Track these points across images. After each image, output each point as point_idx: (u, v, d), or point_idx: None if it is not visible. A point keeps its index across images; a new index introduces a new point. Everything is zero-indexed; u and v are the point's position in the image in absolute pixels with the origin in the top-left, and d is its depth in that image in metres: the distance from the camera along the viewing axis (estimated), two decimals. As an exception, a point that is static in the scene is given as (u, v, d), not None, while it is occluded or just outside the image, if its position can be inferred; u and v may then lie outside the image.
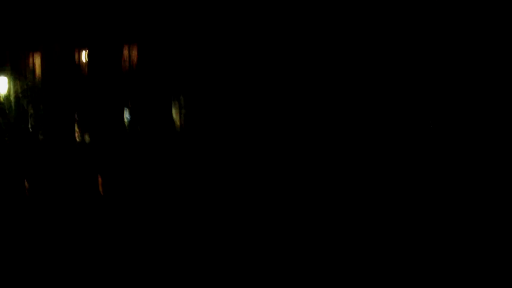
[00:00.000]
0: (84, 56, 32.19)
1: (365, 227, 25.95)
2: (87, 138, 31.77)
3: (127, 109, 31.24)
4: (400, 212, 25.83)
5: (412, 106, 26.77)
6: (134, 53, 31.31)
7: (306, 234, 26.13)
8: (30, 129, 32.03)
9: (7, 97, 31.14)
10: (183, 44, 30.91)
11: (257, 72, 29.08)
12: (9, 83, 30.96)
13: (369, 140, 27.34)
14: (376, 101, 27.34)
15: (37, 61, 33.01)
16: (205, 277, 24.50)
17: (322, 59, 28.19)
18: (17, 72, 32.16)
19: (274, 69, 28.85)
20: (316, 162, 27.79)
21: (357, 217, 26.40)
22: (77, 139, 31.95)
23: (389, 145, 26.92)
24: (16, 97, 31.03)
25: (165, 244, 26.29)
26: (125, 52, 31.40)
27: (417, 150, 26.51)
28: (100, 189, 31.31)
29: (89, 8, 31.65)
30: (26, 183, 32.45)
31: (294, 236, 26.25)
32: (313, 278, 20.41)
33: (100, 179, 31.67)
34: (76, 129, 32.13)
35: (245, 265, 24.78)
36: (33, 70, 33.14)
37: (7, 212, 31.49)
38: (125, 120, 31.30)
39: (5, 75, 30.93)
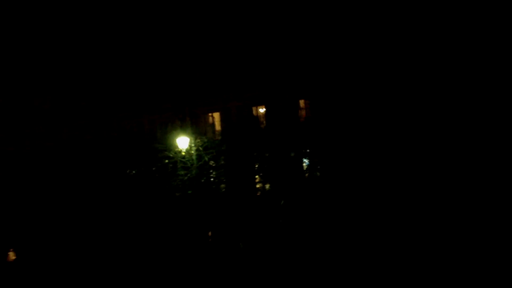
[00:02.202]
0: (259, 110, 34.52)
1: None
2: (267, 186, 33.60)
3: (306, 157, 33.16)
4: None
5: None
6: (307, 105, 33.61)
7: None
8: (211, 181, 33.97)
9: (188, 152, 33.27)
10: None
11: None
12: (190, 140, 33.16)
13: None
14: None
15: (216, 118, 35.39)
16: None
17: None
18: (197, 129, 34.45)
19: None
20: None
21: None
22: (258, 188, 33.79)
23: None
24: (197, 151, 33.13)
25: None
26: (301, 103, 33.72)
27: None
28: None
29: (264, 67, 34.23)
30: (209, 233, 34.14)
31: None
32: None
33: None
34: (257, 178, 34.02)
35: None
36: (213, 127, 35.48)
37: (190, 260, 32.71)
38: (304, 166, 33.17)
39: (186, 133, 33.21)
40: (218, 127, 36.34)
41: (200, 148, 34.40)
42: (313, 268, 28.20)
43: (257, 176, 35.40)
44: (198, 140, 34.31)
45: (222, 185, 35.33)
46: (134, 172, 35.91)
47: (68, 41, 35.99)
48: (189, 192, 34.70)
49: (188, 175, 34.55)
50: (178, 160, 34.39)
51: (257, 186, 35.47)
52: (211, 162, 35.13)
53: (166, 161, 35.10)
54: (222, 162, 35.03)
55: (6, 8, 36.23)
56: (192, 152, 34.00)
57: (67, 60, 36.49)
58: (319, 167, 33.93)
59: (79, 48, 35.86)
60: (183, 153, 34.21)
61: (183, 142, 34.30)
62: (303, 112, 34.41)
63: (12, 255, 34.96)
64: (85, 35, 35.61)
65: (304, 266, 29.01)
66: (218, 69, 35.58)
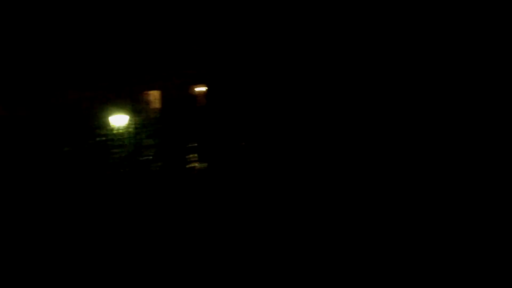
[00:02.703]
0: (200, 90, 34.34)
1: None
2: (203, 166, 33.42)
3: (244, 139, 33.11)
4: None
5: None
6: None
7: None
8: (147, 160, 33.64)
9: (125, 129, 32.89)
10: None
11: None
12: (126, 117, 32.83)
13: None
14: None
15: (155, 96, 35.06)
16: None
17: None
18: (135, 107, 34.10)
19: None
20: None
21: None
22: (194, 168, 33.57)
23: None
24: (134, 129, 32.82)
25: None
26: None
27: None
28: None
29: (208, 48, 34.01)
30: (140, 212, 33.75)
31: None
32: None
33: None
34: (193, 158, 33.81)
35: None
36: (150, 105, 35.15)
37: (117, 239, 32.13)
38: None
39: (123, 111, 32.83)
40: (156, 105, 36.04)
41: (137, 126, 34.08)
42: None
43: (191, 155, 35.19)
44: (135, 118, 33.99)
45: (158, 163, 34.98)
46: (67, 149, 35.27)
47: None
48: (122, 170, 34.30)
49: (124, 153, 34.16)
50: (114, 138, 34.00)
51: (194, 165, 35.24)
52: (147, 141, 34.81)
53: (103, 138, 34.61)
54: (158, 141, 34.74)
55: None
56: (130, 130, 33.62)
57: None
58: (254, 148, 33.94)
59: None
60: (120, 131, 33.80)
61: (119, 119, 33.84)
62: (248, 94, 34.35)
63: None
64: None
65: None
66: (158, 46, 35.27)
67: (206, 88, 35.05)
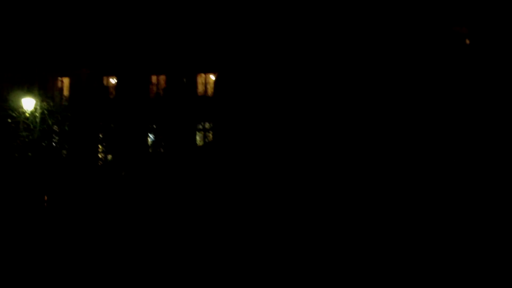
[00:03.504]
0: (112, 81, 34.81)
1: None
2: (110, 157, 34.06)
3: (152, 132, 33.94)
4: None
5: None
6: (162, 81, 34.30)
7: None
8: (53, 146, 33.93)
9: (33, 114, 32.96)
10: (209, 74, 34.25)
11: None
12: (36, 102, 32.83)
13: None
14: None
15: (65, 84, 35.25)
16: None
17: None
18: (45, 93, 34.21)
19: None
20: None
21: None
22: (100, 158, 34.14)
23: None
24: (42, 114, 32.95)
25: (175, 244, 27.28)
26: (153, 79, 34.37)
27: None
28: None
29: (120, 37, 34.52)
30: (45, 197, 34.12)
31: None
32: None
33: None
34: (100, 148, 34.35)
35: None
36: (61, 92, 35.30)
37: (23, 223, 32.36)
38: (149, 141, 33.95)
39: (33, 95, 32.84)
40: (66, 92, 36.17)
41: (45, 112, 34.07)
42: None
43: (100, 146, 35.69)
44: (44, 103, 33.95)
45: (64, 151, 35.28)
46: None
47: None
48: (29, 154, 34.35)
49: (30, 137, 34.16)
50: (21, 121, 33.89)
51: (100, 156, 35.78)
52: (55, 127, 34.94)
53: (9, 120, 34.43)
54: (66, 128, 34.93)
55: None
56: (37, 114, 33.55)
57: None
58: (163, 143, 34.84)
59: None
60: (27, 115, 33.67)
61: (28, 103, 33.71)
62: (154, 88, 35.11)
63: None
64: None
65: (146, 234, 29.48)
66: (71, 34, 35.37)
67: (116, 80, 35.56)
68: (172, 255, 23.23)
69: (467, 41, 32.76)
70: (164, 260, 22.48)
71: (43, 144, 34.50)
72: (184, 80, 34.88)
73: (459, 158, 32.09)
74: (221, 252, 22.56)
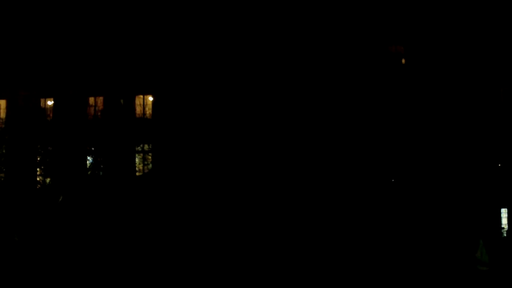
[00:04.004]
0: (49, 103, 34.37)
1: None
2: (48, 180, 33.65)
3: (90, 155, 33.57)
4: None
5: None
6: (100, 102, 33.94)
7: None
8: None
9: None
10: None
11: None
12: (-29, 125, 32.37)
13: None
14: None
15: (2, 105, 34.73)
16: None
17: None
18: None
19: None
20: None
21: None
22: (39, 181, 33.73)
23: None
24: (-23, 138, 32.50)
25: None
26: (91, 101, 33.99)
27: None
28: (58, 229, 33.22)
29: (57, 59, 34.13)
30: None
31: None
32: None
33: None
34: (38, 171, 33.94)
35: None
36: (-5, 114, 34.82)
37: None
38: (88, 164, 33.57)
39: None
40: (2, 114, 35.60)
41: (-19, 135, 33.61)
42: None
43: (38, 169, 35.19)
44: (-20, 127, 33.48)
45: (1, 174, 34.75)
46: None
47: None
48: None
49: (-35, 161, 33.68)
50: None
51: (38, 179, 35.27)
52: (-9, 150, 34.45)
53: None
54: (4, 151, 34.44)
55: None
56: (-28, 138, 33.09)
57: None
58: (102, 166, 34.45)
59: None
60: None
61: (-37, 127, 33.20)
62: (92, 110, 34.69)
63: None
64: None
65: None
66: (6, 55, 34.82)
67: (54, 102, 35.12)
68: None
69: (403, 61, 32.99)
70: None
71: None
72: (122, 101, 34.51)
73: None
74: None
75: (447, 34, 32.51)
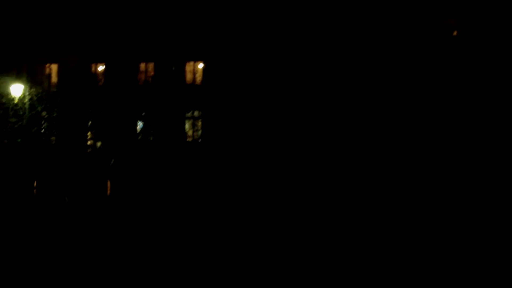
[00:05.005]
0: (100, 68, 34.88)
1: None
2: (99, 144, 34.27)
3: (141, 120, 34.11)
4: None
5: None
6: (151, 68, 34.36)
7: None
8: (42, 132, 34.10)
9: (22, 100, 33.04)
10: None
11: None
12: (25, 88, 32.86)
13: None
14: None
15: (54, 70, 35.30)
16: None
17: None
18: (34, 79, 34.24)
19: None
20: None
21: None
22: (89, 145, 34.38)
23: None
24: (31, 101, 33.04)
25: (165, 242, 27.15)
26: (142, 67, 34.45)
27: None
28: (108, 192, 33.78)
29: (107, 24, 34.54)
30: (35, 183, 34.40)
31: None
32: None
33: (109, 183, 34.21)
34: (89, 135, 34.55)
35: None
36: (49, 78, 35.34)
37: (13, 212, 32.49)
38: (138, 129, 34.13)
39: (21, 82, 32.88)
40: (54, 79, 36.17)
41: (34, 98, 34.16)
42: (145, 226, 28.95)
43: (89, 133, 35.85)
44: (33, 90, 34.00)
45: (53, 137, 35.42)
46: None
47: None
48: (19, 140, 34.49)
49: (19, 123, 34.27)
50: (10, 108, 33.99)
51: (89, 143, 35.95)
52: (44, 113, 35.06)
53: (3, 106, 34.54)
54: (55, 114, 35.05)
55: None
56: (26, 101, 33.60)
57: None
58: (152, 131, 35.03)
59: None
60: (16, 101, 33.73)
61: (16, 89, 33.73)
62: (142, 76, 35.15)
63: None
64: None
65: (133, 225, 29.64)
66: (59, 20, 35.27)
67: (105, 67, 35.62)
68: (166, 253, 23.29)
69: (455, 33, 33.05)
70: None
71: (32, 130, 34.61)
72: (173, 68, 34.96)
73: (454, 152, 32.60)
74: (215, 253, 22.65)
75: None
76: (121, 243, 24.98)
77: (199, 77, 35.39)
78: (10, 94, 33.50)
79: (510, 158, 31.86)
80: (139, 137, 35.24)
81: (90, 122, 35.56)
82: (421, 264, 20.33)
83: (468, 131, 32.56)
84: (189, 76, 35.35)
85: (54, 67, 36.22)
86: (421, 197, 31.74)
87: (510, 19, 32.46)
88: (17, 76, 35.10)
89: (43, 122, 35.09)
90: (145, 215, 32.62)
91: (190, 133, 35.64)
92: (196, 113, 35.55)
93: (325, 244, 24.40)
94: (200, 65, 35.45)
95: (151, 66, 35.48)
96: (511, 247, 22.78)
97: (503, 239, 24.80)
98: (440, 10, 33.41)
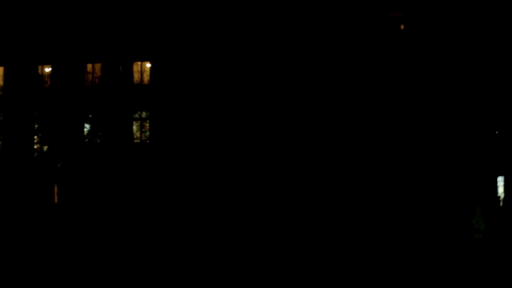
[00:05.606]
0: (47, 70, 34.28)
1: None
2: (45, 148, 33.62)
3: (88, 122, 33.51)
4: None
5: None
6: (98, 69, 33.78)
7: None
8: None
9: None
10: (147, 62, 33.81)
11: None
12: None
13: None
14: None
15: (0, 73, 34.65)
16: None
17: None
18: (-23, 82, 33.66)
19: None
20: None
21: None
22: (36, 149, 33.75)
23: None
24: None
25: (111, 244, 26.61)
26: (89, 68, 33.87)
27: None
28: (56, 197, 33.13)
29: (54, 25, 34.04)
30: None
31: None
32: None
33: (56, 188, 33.55)
34: (36, 139, 33.91)
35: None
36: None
37: None
38: (85, 131, 33.51)
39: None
40: (0, 82, 35.50)
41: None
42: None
43: (36, 137, 35.15)
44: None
45: (-2, 141, 34.81)
46: None
47: None
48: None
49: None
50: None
51: (35, 147, 35.25)
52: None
53: None
54: (1, 118, 34.41)
55: None
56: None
57: None
58: (99, 133, 34.39)
59: None
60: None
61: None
62: (90, 77, 34.57)
63: None
64: None
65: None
66: (4, 22, 34.70)
67: (51, 69, 35.00)
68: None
69: (402, 27, 32.71)
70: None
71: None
72: (120, 68, 34.40)
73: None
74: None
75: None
76: (68, 250, 24.27)
77: (146, 77, 34.83)
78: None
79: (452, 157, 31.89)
80: (86, 140, 34.61)
81: (36, 126, 34.89)
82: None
83: (413, 128, 32.39)
84: (136, 76, 34.79)
85: (0, 70, 35.60)
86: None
87: (460, 11, 32.31)
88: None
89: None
90: (92, 219, 32.08)
91: (138, 134, 35.01)
92: (144, 114, 34.96)
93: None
94: (148, 65, 34.91)
95: (98, 66, 34.94)
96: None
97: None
98: (384, 2, 33.07)
